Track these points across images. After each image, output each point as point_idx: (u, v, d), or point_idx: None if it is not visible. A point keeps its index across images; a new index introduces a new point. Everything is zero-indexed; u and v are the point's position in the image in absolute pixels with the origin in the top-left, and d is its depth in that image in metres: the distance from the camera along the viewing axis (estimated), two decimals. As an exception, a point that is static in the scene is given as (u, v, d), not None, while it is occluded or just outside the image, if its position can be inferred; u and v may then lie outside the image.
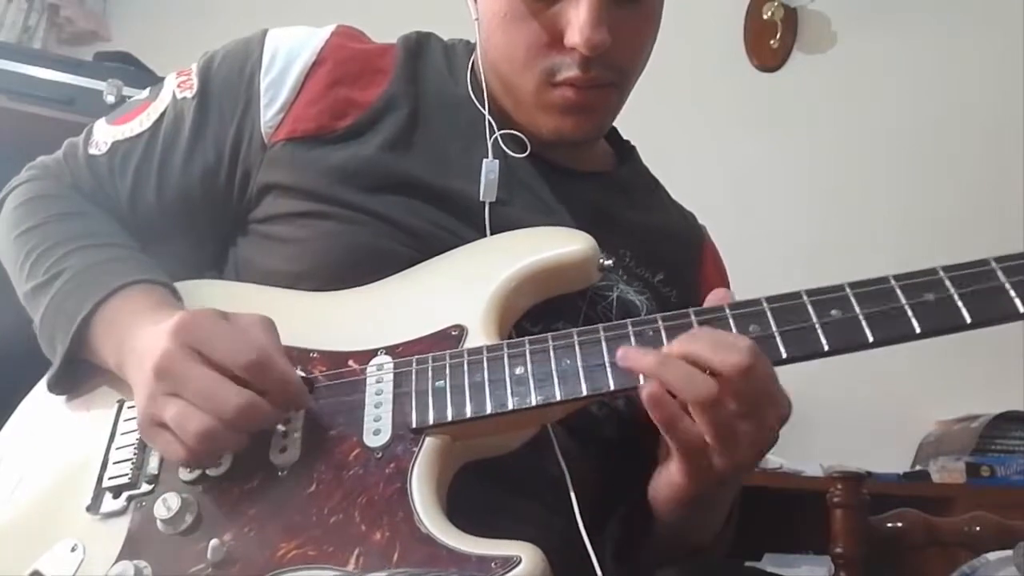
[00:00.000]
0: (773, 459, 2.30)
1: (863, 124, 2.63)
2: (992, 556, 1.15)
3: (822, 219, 2.56)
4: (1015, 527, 1.23)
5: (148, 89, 0.94)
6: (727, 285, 0.99)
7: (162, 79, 0.94)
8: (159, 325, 0.69)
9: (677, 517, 0.75)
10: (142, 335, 0.71)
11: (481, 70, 0.91)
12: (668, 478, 0.72)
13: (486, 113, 0.89)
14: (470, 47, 0.96)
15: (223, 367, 0.65)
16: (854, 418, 2.38)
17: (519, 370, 0.70)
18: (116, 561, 0.66)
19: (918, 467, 2.36)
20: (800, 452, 2.29)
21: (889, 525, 1.25)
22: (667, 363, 0.65)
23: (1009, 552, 1.11)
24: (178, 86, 0.90)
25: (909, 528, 1.25)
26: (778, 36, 2.67)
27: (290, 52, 0.88)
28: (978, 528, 1.23)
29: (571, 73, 0.82)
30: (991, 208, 2.49)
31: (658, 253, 0.93)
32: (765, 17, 2.67)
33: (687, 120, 2.53)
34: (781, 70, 2.69)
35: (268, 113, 0.86)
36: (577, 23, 0.79)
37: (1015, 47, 2.59)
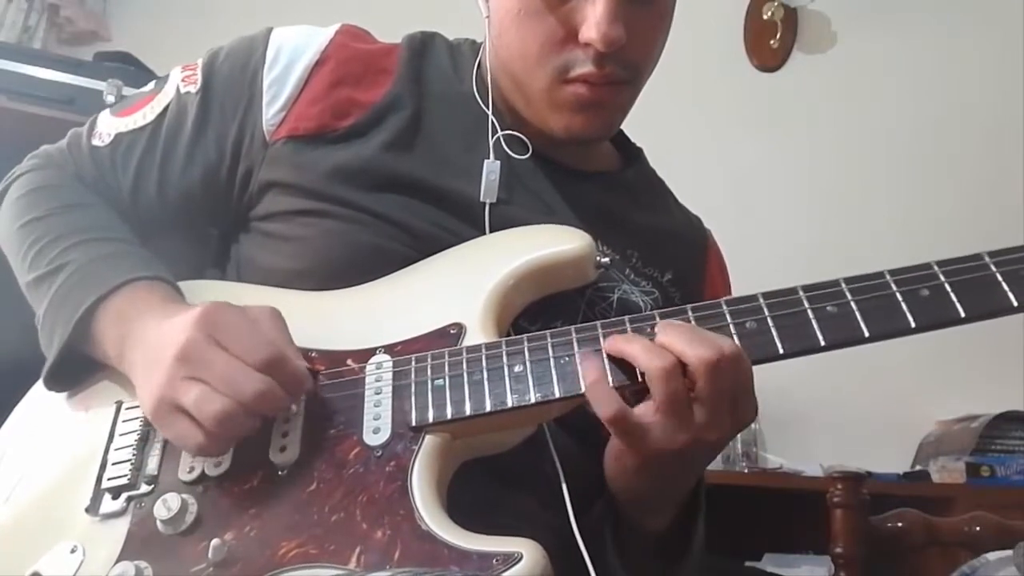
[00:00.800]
0: (773, 459, 2.31)
1: (863, 124, 2.63)
2: (992, 556, 1.15)
3: (822, 219, 2.56)
4: (1015, 527, 1.22)
5: (153, 82, 0.94)
6: (729, 290, 1.00)
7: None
8: (178, 316, 0.70)
9: (622, 489, 0.76)
10: (151, 328, 0.72)
11: (488, 69, 0.91)
12: (613, 444, 0.74)
13: (489, 113, 0.89)
14: (476, 47, 0.95)
15: (242, 358, 0.67)
16: (854, 418, 2.38)
17: (518, 368, 0.70)
18: (116, 562, 0.66)
19: (918, 467, 2.36)
20: (800, 452, 2.30)
21: (889, 525, 1.25)
22: (632, 340, 0.68)
23: (1009, 552, 1.11)
24: (183, 80, 0.90)
25: (909, 528, 1.25)
26: (778, 36, 2.67)
27: (294, 50, 0.88)
28: (978, 528, 1.23)
29: (585, 69, 0.81)
30: (991, 208, 2.49)
31: (665, 254, 0.93)
32: (765, 17, 2.68)
33: (687, 120, 2.53)
34: (781, 70, 2.70)
35: (270, 111, 0.86)
36: (594, 18, 0.79)
37: (1015, 47, 2.59)
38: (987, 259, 0.68)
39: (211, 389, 0.66)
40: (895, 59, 2.66)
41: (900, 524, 1.25)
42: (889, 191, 2.60)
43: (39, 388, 0.82)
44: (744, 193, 2.51)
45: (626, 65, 0.83)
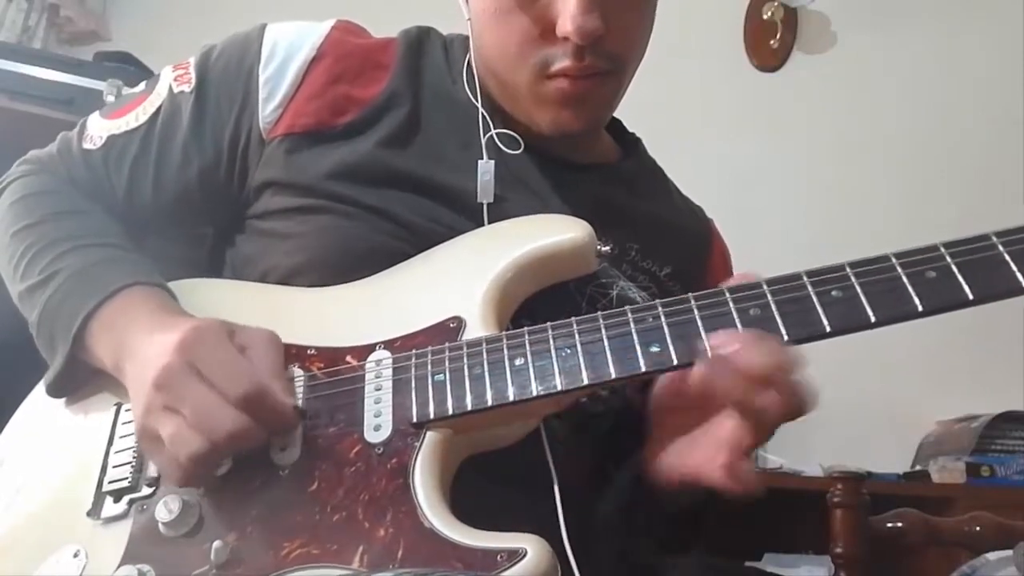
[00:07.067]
0: (773, 459, 2.30)
1: (863, 124, 2.63)
2: (992, 556, 1.15)
3: (822, 219, 2.56)
4: (1015, 527, 1.22)
5: (143, 83, 0.93)
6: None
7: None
8: (163, 335, 0.69)
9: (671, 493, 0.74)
10: (142, 340, 0.71)
11: (476, 69, 0.90)
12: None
13: (479, 107, 0.88)
14: (467, 44, 0.94)
15: (220, 391, 0.66)
16: (854, 418, 2.38)
17: (519, 361, 0.69)
18: (119, 566, 0.66)
19: (918, 467, 2.36)
20: (800, 452, 2.30)
21: (889, 525, 1.25)
22: (718, 363, 0.66)
23: (1009, 552, 1.11)
24: (175, 80, 0.90)
25: (909, 528, 1.25)
26: (778, 36, 2.67)
27: (289, 46, 0.88)
28: (978, 528, 1.23)
29: (565, 63, 0.81)
30: (991, 208, 2.49)
31: (665, 246, 0.92)
32: (765, 17, 2.68)
33: (687, 120, 2.53)
34: (781, 70, 2.70)
35: (267, 108, 0.86)
36: (568, 11, 0.78)
37: (1015, 47, 2.59)
38: (995, 239, 0.66)
39: (186, 426, 0.65)
40: (895, 59, 2.66)
41: (900, 524, 1.25)
42: (888, 191, 2.60)
43: (38, 392, 0.82)
44: (743, 193, 2.51)
45: (607, 56, 0.82)
